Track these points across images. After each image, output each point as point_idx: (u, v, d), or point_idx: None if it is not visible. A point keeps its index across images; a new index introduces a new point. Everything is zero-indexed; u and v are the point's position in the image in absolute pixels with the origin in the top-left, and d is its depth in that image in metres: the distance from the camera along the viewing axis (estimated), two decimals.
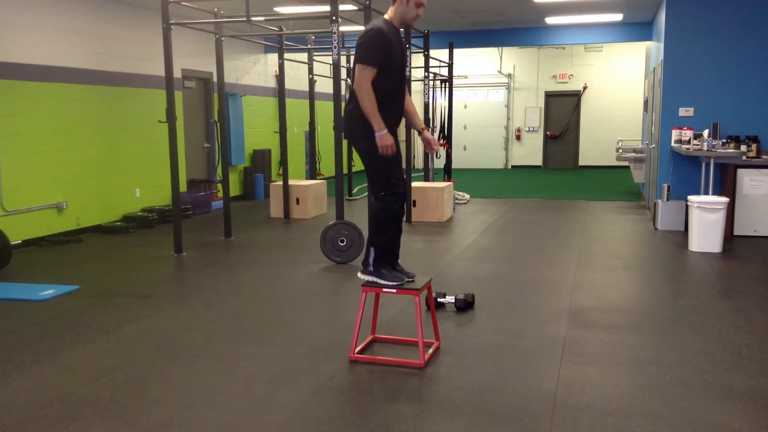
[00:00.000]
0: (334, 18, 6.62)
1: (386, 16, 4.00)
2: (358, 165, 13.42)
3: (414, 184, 9.34)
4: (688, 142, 8.12)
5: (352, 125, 3.97)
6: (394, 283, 3.97)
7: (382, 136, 3.81)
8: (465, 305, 5.01)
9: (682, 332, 4.52)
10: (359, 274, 4.09)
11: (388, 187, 3.95)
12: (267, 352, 4.21)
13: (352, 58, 12.10)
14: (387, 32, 3.88)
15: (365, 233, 7.38)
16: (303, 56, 12.22)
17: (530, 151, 18.31)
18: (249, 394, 3.57)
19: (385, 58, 3.83)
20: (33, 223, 7.78)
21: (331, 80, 6.99)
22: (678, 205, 8.29)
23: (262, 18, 7.87)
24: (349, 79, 11.59)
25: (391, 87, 3.93)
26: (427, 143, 4.18)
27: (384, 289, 4.02)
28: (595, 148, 17.62)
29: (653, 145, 9.59)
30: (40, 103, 7.84)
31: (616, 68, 17.29)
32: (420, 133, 4.19)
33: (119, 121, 9.08)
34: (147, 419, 3.28)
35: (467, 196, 11.60)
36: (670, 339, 4.38)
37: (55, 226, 8.10)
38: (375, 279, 4.01)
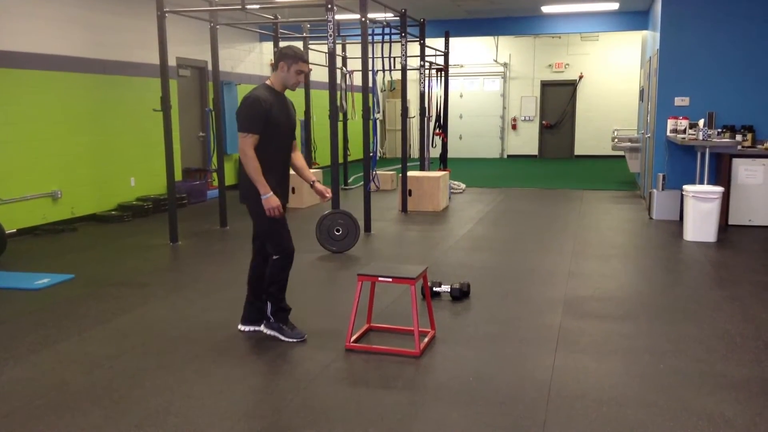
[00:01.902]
0: (329, 6, 6.59)
1: (268, 82, 4.16)
2: (354, 154, 13.41)
3: (410, 173, 9.33)
4: (684, 131, 8.12)
5: (245, 186, 4.12)
6: (295, 340, 4.17)
7: (268, 199, 4.01)
8: (460, 294, 5.02)
9: (677, 321, 4.54)
10: (263, 328, 4.29)
11: (282, 250, 4.19)
12: (263, 341, 4.21)
13: (348, 46, 12.09)
14: (264, 99, 4.02)
15: (361, 223, 7.41)
16: (298, 45, 12.16)
17: (526, 141, 18.30)
18: (245, 383, 3.58)
19: (264, 123, 3.99)
20: (28, 212, 7.76)
21: (327, 69, 6.96)
22: (673, 194, 8.31)
23: (257, 6, 7.82)
24: (344, 68, 11.55)
25: (276, 149, 4.11)
26: (319, 194, 4.36)
27: (380, 278, 4.04)
28: (591, 137, 17.62)
29: (649, 135, 9.60)
30: (34, 92, 7.79)
31: (612, 57, 17.27)
32: (312, 186, 4.33)
33: (114, 110, 9.04)
34: (143, 408, 3.28)
35: (463, 186, 11.60)
36: (664, 328, 4.40)
37: (50, 215, 8.07)
38: (277, 335, 4.21)
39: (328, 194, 4.39)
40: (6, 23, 7.42)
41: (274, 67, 4.16)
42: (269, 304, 4.23)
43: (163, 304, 5.06)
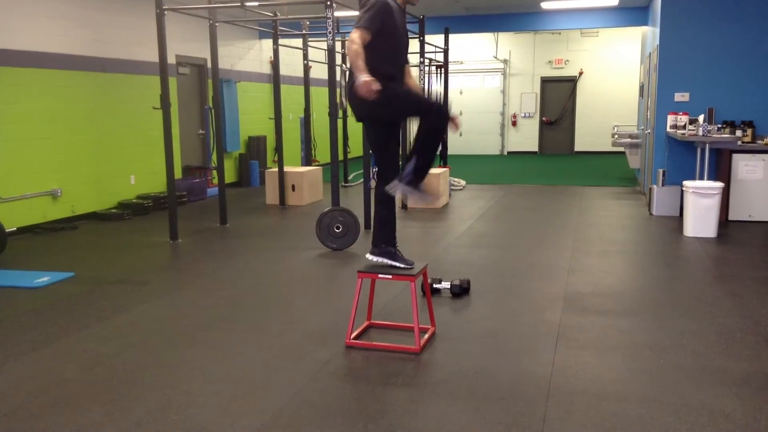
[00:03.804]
0: (329, 3, 6.58)
1: None
2: (354, 151, 13.40)
3: None
4: (684, 127, 8.12)
5: (355, 97, 3.85)
6: (404, 266, 4.01)
7: (363, 81, 3.66)
8: (461, 291, 5.02)
9: (677, 317, 4.54)
10: (368, 255, 4.09)
11: (430, 105, 3.89)
12: (263, 338, 4.22)
13: (347, 44, 12.08)
14: (390, 4, 3.91)
15: (361, 220, 7.41)
16: (298, 42, 12.15)
17: (526, 137, 18.29)
18: (245, 380, 3.58)
19: (381, 24, 3.84)
20: (28, 211, 7.76)
21: (326, 66, 6.95)
22: (673, 190, 8.30)
23: (256, 3, 7.81)
24: (344, 65, 11.54)
25: (387, 55, 3.91)
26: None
27: (380, 275, 4.03)
28: (591, 133, 17.61)
29: (649, 131, 9.59)
30: (33, 90, 7.79)
31: (612, 53, 17.25)
32: None
33: (113, 108, 9.03)
34: (144, 405, 3.28)
35: (463, 183, 11.60)
36: (664, 323, 4.40)
37: (50, 213, 8.07)
38: (386, 260, 4.05)
39: (457, 122, 4.05)
40: (5, 21, 7.41)
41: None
42: (413, 161, 3.90)
43: (163, 301, 5.07)
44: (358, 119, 4.07)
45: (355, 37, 3.77)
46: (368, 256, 4.12)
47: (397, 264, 4.05)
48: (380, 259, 4.06)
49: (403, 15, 4.10)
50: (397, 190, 3.96)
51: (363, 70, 3.69)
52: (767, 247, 6.65)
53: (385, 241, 4.09)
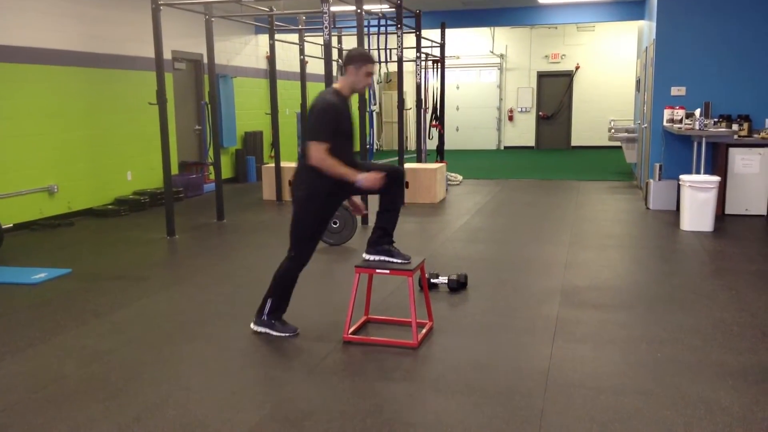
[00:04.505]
0: None
1: (336, 86, 4.06)
2: None
3: (407, 165, 9.31)
4: (680, 121, 8.12)
5: (301, 177, 4.03)
6: (286, 335, 4.13)
7: (364, 179, 3.87)
8: (458, 285, 5.03)
9: (674, 310, 4.55)
10: (252, 326, 4.22)
11: (300, 254, 4.09)
12: (261, 333, 4.21)
13: (344, 38, 12.06)
14: (337, 104, 3.95)
15: (359, 216, 7.38)
16: (294, 37, 12.12)
17: (523, 132, 18.29)
18: (243, 375, 3.59)
19: (334, 129, 3.92)
20: (24, 207, 7.74)
21: (323, 61, 6.94)
22: (670, 184, 8.32)
23: None
24: (341, 60, 11.52)
25: (341, 148, 3.99)
26: (355, 208, 4.36)
27: (377, 270, 4.03)
28: (588, 128, 17.62)
29: (645, 125, 9.60)
30: (29, 86, 7.76)
31: (609, 48, 17.25)
32: (348, 198, 4.26)
33: (109, 104, 9.01)
34: (142, 401, 3.29)
35: (460, 177, 11.60)
36: (661, 317, 4.42)
37: (47, 209, 8.06)
38: (268, 330, 4.17)
39: (364, 211, 4.39)
40: (1, 18, 7.38)
41: (342, 71, 4.06)
42: (269, 302, 4.18)
43: (160, 297, 5.06)
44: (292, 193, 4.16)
45: (320, 154, 3.86)
46: (365, 255, 4.13)
47: (395, 260, 4.05)
48: (378, 258, 4.08)
49: (347, 101, 4.11)
50: (257, 329, 4.19)
51: (351, 172, 3.88)
52: (764, 241, 6.67)
53: (380, 242, 4.13)
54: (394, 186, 4.06)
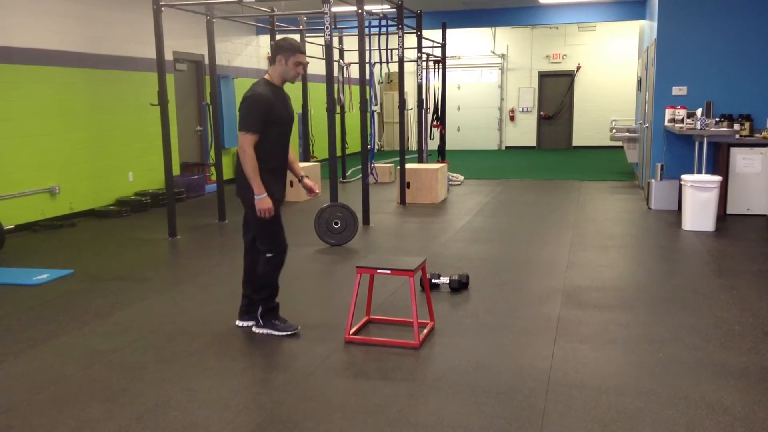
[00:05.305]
0: None
1: (266, 77, 4.08)
2: (352, 147, 13.40)
3: (408, 165, 9.32)
4: (682, 121, 8.12)
5: (242, 182, 4.06)
6: (289, 333, 4.15)
7: (262, 200, 3.97)
8: (459, 286, 5.03)
9: (675, 310, 4.55)
10: (253, 329, 4.25)
11: (276, 246, 4.16)
12: (262, 335, 4.21)
13: (345, 39, 12.06)
14: (265, 95, 3.96)
15: (359, 215, 7.41)
16: (295, 38, 12.13)
17: (524, 132, 18.28)
18: (245, 376, 3.59)
19: (264, 121, 3.93)
20: (26, 208, 7.75)
21: (324, 61, 6.94)
22: (671, 184, 8.31)
23: None
24: (341, 60, 11.53)
25: (275, 145, 4.05)
26: (308, 189, 4.33)
27: (378, 270, 4.04)
28: (589, 128, 17.61)
29: (647, 125, 9.59)
30: (30, 87, 7.77)
31: (610, 48, 17.23)
32: (300, 181, 4.31)
33: (111, 105, 9.02)
34: (143, 401, 3.29)
35: (461, 178, 11.60)
36: (663, 317, 4.41)
37: (49, 210, 8.06)
38: (270, 332, 4.18)
39: (317, 190, 4.36)
40: (2, 18, 7.39)
41: (272, 60, 4.10)
42: (260, 308, 4.19)
43: (162, 298, 5.07)
44: (237, 195, 4.19)
45: (246, 145, 3.91)
46: (243, 324, 4.29)
47: (280, 333, 4.14)
48: (264, 331, 4.19)
49: (283, 91, 4.13)
50: (259, 331, 4.22)
51: (259, 187, 3.93)
52: (765, 241, 6.66)
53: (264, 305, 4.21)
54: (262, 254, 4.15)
